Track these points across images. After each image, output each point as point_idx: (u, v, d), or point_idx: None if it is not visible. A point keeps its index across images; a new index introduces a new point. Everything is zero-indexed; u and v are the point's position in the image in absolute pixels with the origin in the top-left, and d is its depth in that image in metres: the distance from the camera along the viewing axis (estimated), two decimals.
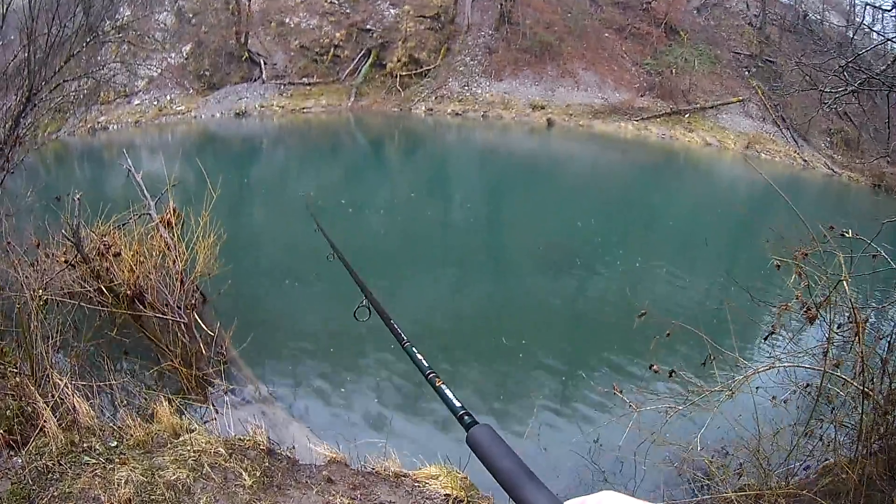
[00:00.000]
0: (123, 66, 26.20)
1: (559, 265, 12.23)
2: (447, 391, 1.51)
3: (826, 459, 5.39)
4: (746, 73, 31.41)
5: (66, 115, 25.08)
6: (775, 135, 28.93)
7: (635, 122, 28.48)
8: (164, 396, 5.96)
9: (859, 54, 7.76)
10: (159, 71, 27.96)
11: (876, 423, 4.70)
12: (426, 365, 1.68)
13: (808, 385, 5.36)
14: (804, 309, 4.98)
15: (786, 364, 5.28)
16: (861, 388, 4.53)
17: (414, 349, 1.77)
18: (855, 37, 30.44)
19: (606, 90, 29.90)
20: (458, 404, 1.44)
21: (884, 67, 7.27)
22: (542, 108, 28.66)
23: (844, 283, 4.60)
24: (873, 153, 27.92)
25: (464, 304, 10.67)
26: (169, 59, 28.78)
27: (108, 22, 19.89)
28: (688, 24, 32.73)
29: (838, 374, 4.90)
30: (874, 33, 27.52)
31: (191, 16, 30.05)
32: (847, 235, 4.76)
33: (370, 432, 6.30)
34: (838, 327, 4.79)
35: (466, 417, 1.36)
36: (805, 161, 27.50)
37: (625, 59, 31.32)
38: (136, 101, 27.32)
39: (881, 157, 25.69)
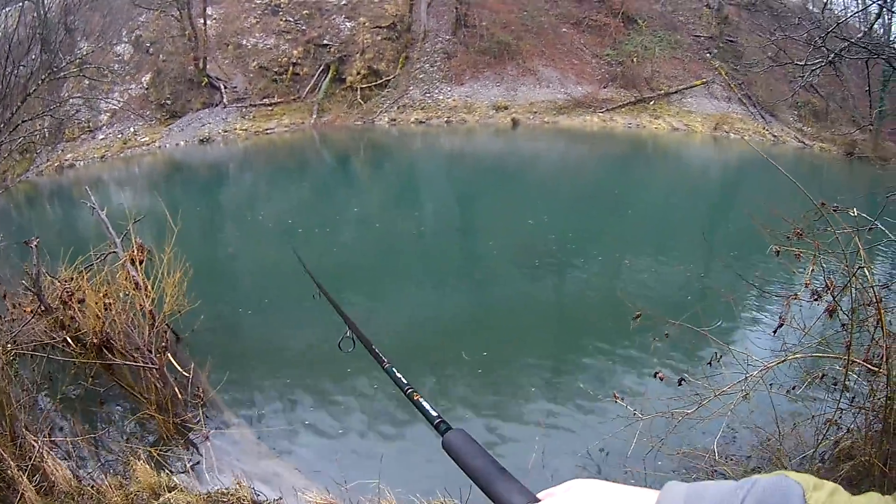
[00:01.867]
0: (84, 101, 26.10)
1: (536, 267, 12.04)
2: (425, 403, 1.56)
3: (841, 444, 5.20)
4: (708, 55, 31.36)
5: (33, 156, 25.03)
6: (742, 114, 28.90)
7: (600, 114, 28.49)
8: (143, 449, 5.79)
9: (839, 22, 7.64)
10: (121, 103, 27.80)
11: None
12: (405, 382, 1.74)
13: (823, 375, 5.19)
14: (814, 297, 4.81)
15: (799, 356, 5.10)
16: (887, 377, 4.36)
17: (394, 369, 1.85)
18: (815, 9, 30.46)
19: (568, 85, 29.83)
20: (434, 414, 1.48)
21: (860, 35, 7.17)
22: (506, 108, 28.58)
23: (866, 270, 4.45)
24: (843, 122, 27.97)
25: (440, 317, 10.39)
26: (130, 91, 28.62)
27: (66, 57, 19.62)
28: (645, 11, 32.69)
29: (860, 361, 4.68)
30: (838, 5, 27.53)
31: (148, 45, 29.82)
32: (853, 214, 4.47)
33: (362, 470, 5.93)
34: (851, 312, 4.55)
35: (442, 425, 1.41)
36: (775, 136, 27.53)
37: (584, 52, 31.25)
38: (101, 136, 27.11)
39: (865, 125, 25.84)
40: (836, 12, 26.55)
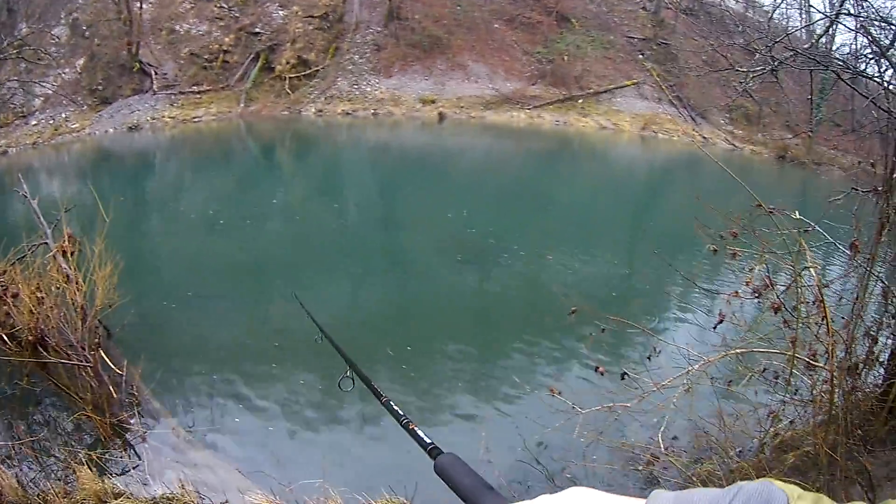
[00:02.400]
0: (20, 85, 25.77)
1: (459, 261, 12.08)
2: (419, 432, 1.63)
3: (784, 435, 5.40)
4: (640, 56, 31.67)
5: None
6: (672, 115, 29.22)
7: (528, 111, 28.67)
8: (83, 452, 5.64)
9: (788, 33, 7.88)
10: (54, 88, 27.43)
11: (848, 406, 4.67)
12: (402, 414, 1.81)
13: (764, 370, 5.35)
14: (755, 295, 5.03)
15: (741, 350, 5.24)
16: (831, 372, 4.49)
17: (391, 402, 1.91)
18: (755, 16, 30.82)
19: (497, 80, 29.96)
20: (427, 441, 1.55)
21: (807, 45, 7.33)
22: (433, 102, 28.60)
23: (812, 270, 4.63)
24: (775, 126, 28.36)
25: (363, 311, 10.37)
26: (63, 75, 28.18)
27: (6, 39, 19.33)
28: (580, 11, 32.98)
29: (804, 357, 4.88)
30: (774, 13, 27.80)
31: (85, 28, 29.16)
32: (794, 217, 4.70)
33: (303, 468, 5.93)
34: (794, 310, 4.77)
35: (435, 451, 1.47)
36: (704, 138, 27.90)
37: (515, 48, 31.34)
38: (34, 122, 26.36)
39: (802, 130, 26.35)
40: (777, 21, 26.91)
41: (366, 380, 2.25)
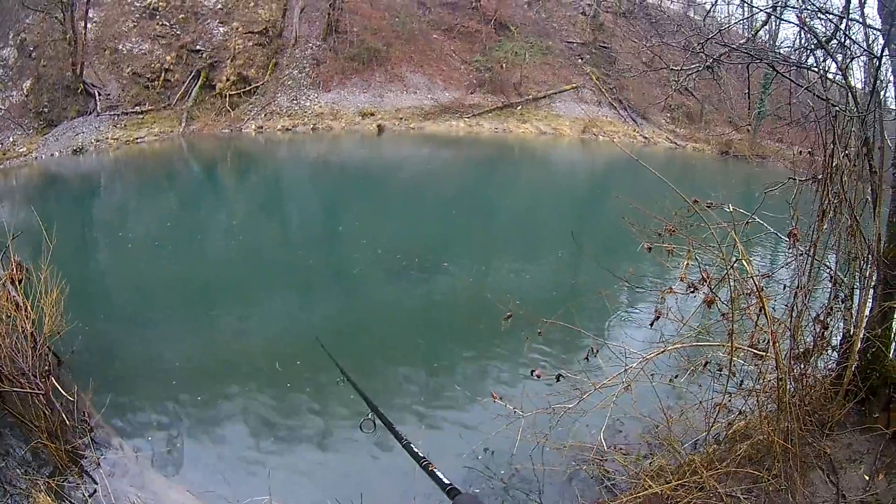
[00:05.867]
0: None
1: (401, 273, 12.13)
2: (438, 473, 1.80)
3: (734, 425, 5.46)
4: (580, 60, 32.01)
5: None
6: (613, 117, 29.53)
7: (467, 119, 28.99)
8: (43, 480, 5.65)
9: (721, 30, 7.96)
10: (1, 111, 27.23)
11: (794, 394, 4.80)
12: (422, 455, 1.97)
13: (707, 363, 5.47)
14: (690, 290, 5.10)
15: (678, 346, 5.37)
16: (776, 360, 4.61)
17: (412, 445, 2.08)
18: (696, 16, 31.11)
19: (436, 91, 30.21)
20: (446, 481, 1.71)
21: (743, 40, 7.45)
22: (372, 114, 28.71)
23: (744, 262, 4.66)
24: (718, 123, 28.65)
25: (305, 326, 10.14)
26: (11, 98, 27.89)
27: None
28: (518, 18, 33.35)
29: (745, 347, 5.00)
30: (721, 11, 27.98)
31: (31, 49, 28.74)
32: (728, 210, 4.83)
33: (251, 486, 5.93)
34: (731, 302, 4.82)
35: (453, 491, 1.64)
36: (646, 138, 28.32)
37: (453, 58, 31.60)
38: None
39: (743, 125, 26.51)
40: (718, 19, 27.19)
41: (387, 423, 2.42)
